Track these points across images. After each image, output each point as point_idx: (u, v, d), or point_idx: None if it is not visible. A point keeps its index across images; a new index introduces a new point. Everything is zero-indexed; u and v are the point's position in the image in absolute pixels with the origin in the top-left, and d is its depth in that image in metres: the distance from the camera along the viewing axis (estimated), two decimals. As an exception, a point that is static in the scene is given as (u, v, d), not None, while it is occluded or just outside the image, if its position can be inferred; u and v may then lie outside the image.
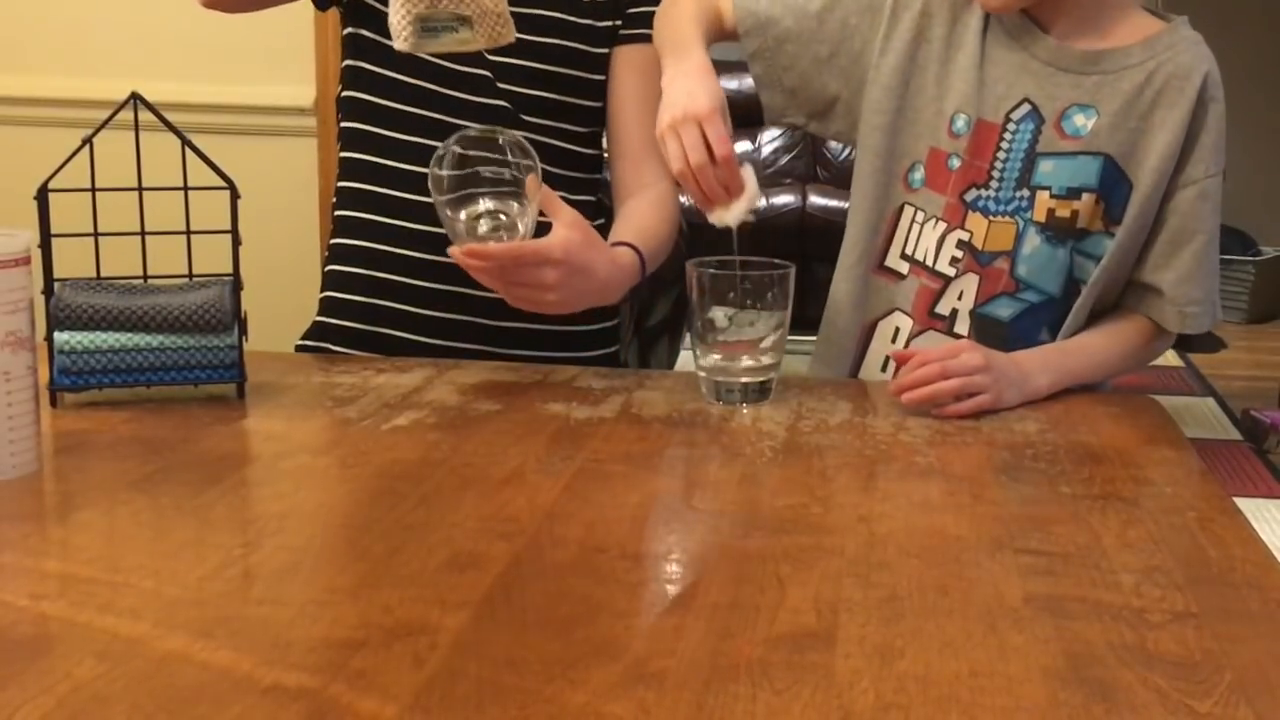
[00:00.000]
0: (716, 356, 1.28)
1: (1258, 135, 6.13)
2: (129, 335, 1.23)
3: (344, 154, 1.58)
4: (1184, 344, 5.28)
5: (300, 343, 1.57)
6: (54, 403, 1.22)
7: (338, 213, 1.58)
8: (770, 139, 5.18)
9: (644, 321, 4.58)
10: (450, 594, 0.82)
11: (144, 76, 2.23)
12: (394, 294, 1.52)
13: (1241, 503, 3.58)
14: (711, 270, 1.27)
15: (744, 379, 1.28)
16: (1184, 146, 1.33)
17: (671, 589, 0.86)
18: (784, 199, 4.80)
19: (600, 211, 1.62)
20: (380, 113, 1.53)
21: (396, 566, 0.86)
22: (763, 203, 4.84)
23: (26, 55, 2.31)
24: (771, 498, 1.03)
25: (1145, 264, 1.37)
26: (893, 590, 0.84)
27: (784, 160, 5.16)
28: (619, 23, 1.56)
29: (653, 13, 1.54)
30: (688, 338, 1.34)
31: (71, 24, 2.30)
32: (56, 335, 1.21)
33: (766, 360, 1.28)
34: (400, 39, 1.23)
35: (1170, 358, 5.13)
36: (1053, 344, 1.37)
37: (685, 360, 1.34)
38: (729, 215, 1.32)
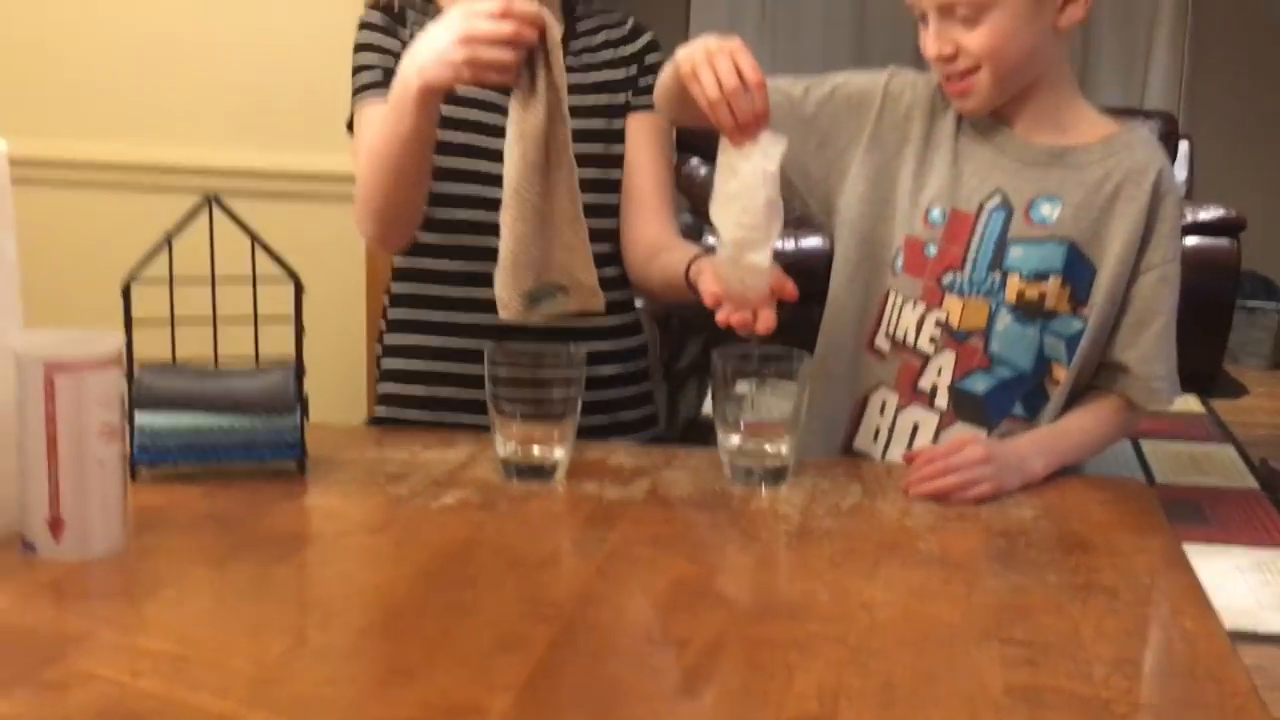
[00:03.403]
0: (737, 439, 1.40)
1: (1282, 184, 6.21)
2: (202, 416, 1.35)
3: (396, 261, 1.72)
4: (1207, 389, 5.37)
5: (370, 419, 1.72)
6: (133, 477, 1.34)
7: (391, 312, 1.73)
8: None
9: (674, 364, 4.69)
10: (497, 677, 0.93)
11: (192, 142, 2.37)
12: (450, 382, 1.65)
13: (1255, 553, 3.68)
14: (734, 359, 1.39)
15: (763, 463, 1.39)
16: (1143, 236, 1.47)
17: (691, 674, 0.97)
18: (812, 242, 4.92)
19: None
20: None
21: (449, 647, 0.98)
22: (790, 244, 4.96)
23: (78, 120, 2.44)
24: (784, 583, 1.14)
25: (1114, 344, 1.50)
26: (888, 678, 0.95)
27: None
28: (630, 94, 1.71)
29: None
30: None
31: (115, 90, 2.43)
32: (137, 416, 1.34)
33: (784, 444, 1.39)
34: (506, 310, 1.40)
35: (1192, 404, 5.21)
36: (1045, 428, 1.48)
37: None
38: (759, 256, 1.40)
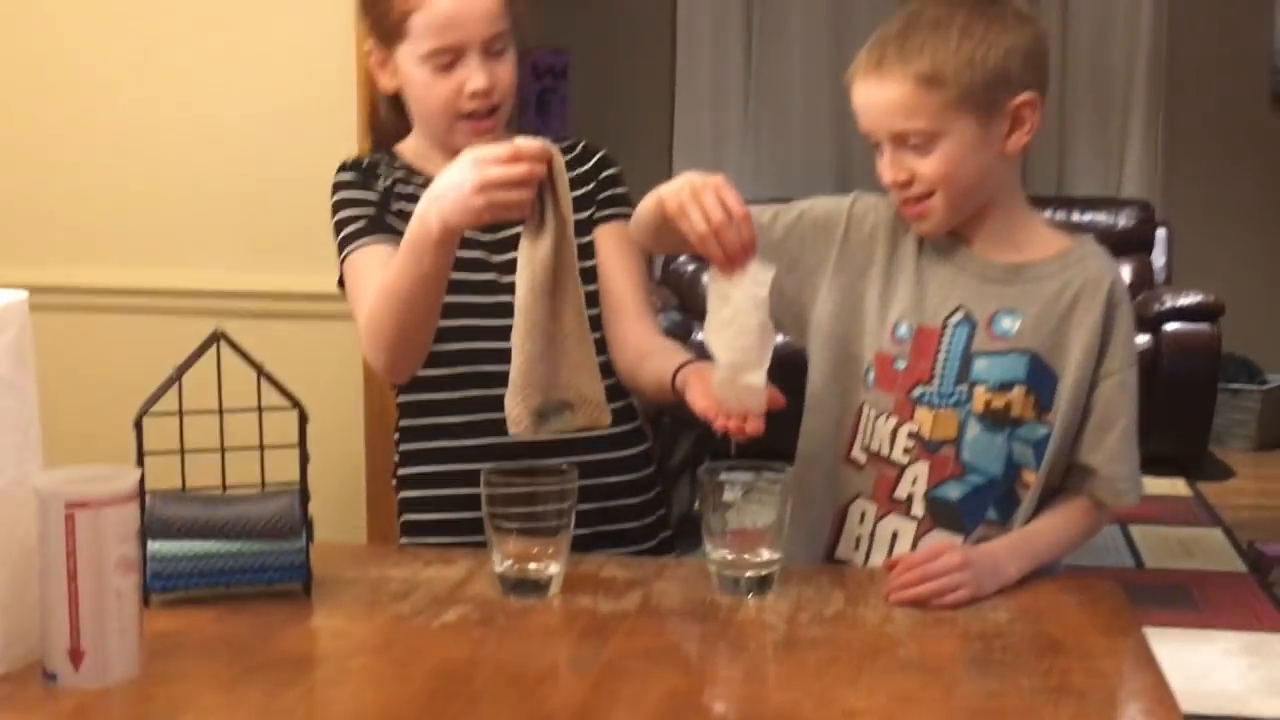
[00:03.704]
0: (724, 551, 1.46)
1: (1261, 268, 6.32)
2: (212, 543, 1.41)
3: (400, 398, 1.81)
4: (1193, 471, 5.44)
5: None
6: (146, 603, 1.39)
7: (402, 446, 1.81)
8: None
9: (666, 461, 4.75)
10: (499, 794, 0.99)
11: (202, 266, 2.46)
12: (465, 506, 1.71)
13: (1245, 637, 3.73)
14: (719, 473, 1.46)
15: (749, 573, 1.45)
16: (1100, 344, 1.55)
17: (683, 785, 1.03)
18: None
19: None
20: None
21: (452, 766, 1.03)
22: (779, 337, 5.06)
23: (92, 248, 2.53)
24: (772, 694, 1.20)
25: (1080, 448, 1.57)
26: (869, 785, 1.01)
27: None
28: (594, 210, 1.81)
29: (621, 194, 1.82)
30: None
31: (128, 218, 2.53)
32: (150, 544, 1.40)
33: (768, 555, 1.46)
34: (517, 426, 1.46)
35: (1179, 488, 5.27)
36: (1018, 531, 1.55)
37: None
38: (755, 377, 1.47)
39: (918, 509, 1.57)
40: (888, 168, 1.55)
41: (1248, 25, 6.29)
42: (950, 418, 1.55)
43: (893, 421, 1.57)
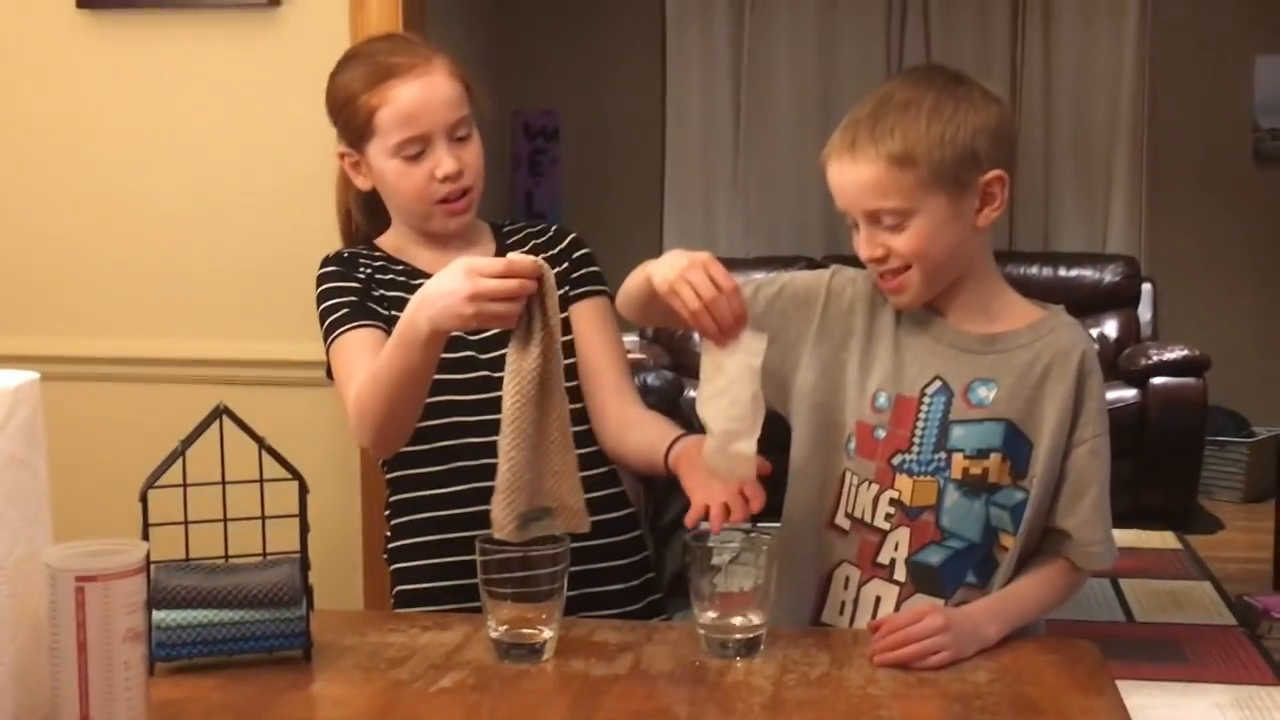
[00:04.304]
0: (712, 614, 1.51)
1: (1246, 321, 6.38)
2: (214, 612, 1.46)
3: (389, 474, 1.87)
4: (1183, 525, 5.48)
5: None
6: (151, 671, 1.43)
7: (392, 522, 1.87)
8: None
9: (659, 519, 4.78)
10: None
11: (193, 336, 2.53)
12: (455, 574, 1.77)
13: (1235, 690, 3.75)
14: (706, 540, 1.51)
15: (737, 636, 1.50)
16: (1073, 412, 1.60)
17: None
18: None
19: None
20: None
21: (450, 829, 1.07)
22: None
23: (85, 318, 2.60)
24: (757, 755, 1.24)
25: (1055, 513, 1.62)
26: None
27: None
28: (568, 289, 1.87)
29: (595, 272, 1.90)
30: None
31: (123, 289, 2.60)
32: (154, 614, 1.44)
33: (754, 618, 1.50)
34: (501, 531, 1.51)
35: (1169, 540, 5.31)
36: (997, 594, 1.59)
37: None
38: (746, 446, 1.52)
39: (900, 574, 1.61)
40: (864, 244, 1.61)
41: (1229, 82, 6.39)
42: (929, 484, 1.60)
43: (875, 489, 1.62)
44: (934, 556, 1.60)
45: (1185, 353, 5.57)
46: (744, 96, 6.58)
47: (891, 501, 1.61)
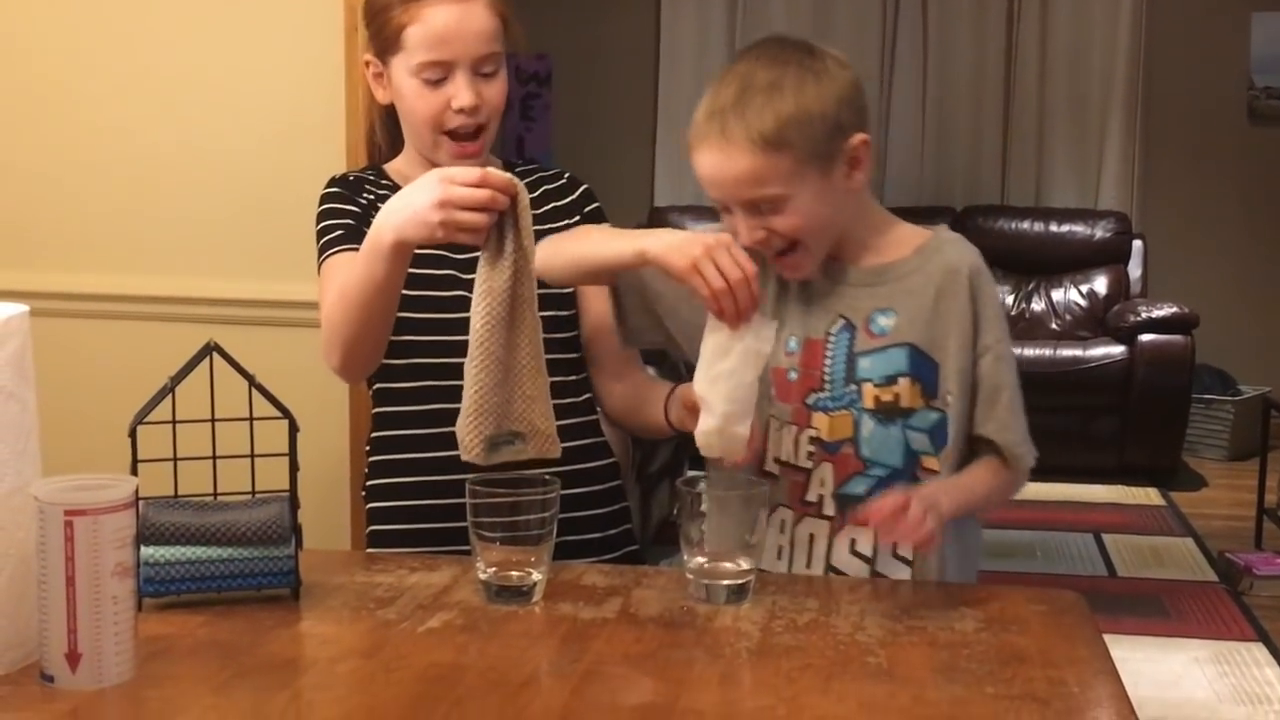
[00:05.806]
0: (701, 560, 1.51)
1: (1235, 280, 6.39)
2: (203, 549, 1.45)
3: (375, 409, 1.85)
4: (1167, 482, 5.50)
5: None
6: (139, 607, 1.43)
7: (371, 458, 1.85)
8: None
9: (646, 468, 4.79)
10: (483, 794, 1.03)
11: (184, 273, 2.51)
12: (430, 517, 1.76)
13: (1215, 645, 3.78)
14: (696, 485, 1.51)
15: (725, 581, 1.50)
16: (973, 325, 1.62)
17: (660, 787, 1.07)
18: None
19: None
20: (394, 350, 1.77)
21: (438, 767, 1.08)
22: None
23: (75, 254, 2.57)
24: (746, 699, 1.25)
25: (975, 423, 1.64)
26: (837, 788, 1.05)
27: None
28: None
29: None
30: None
31: (123, 226, 2.57)
32: (143, 549, 1.44)
33: (744, 564, 1.50)
34: (468, 452, 1.51)
35: (1153, 497, 5.34)
36: (941, 480, 1.61)
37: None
38: (742, 429, 1.54)
39: (829, 508, 1.64)
40: (743, 230, 1.60)
41: (1225, 40, 6.37)
42: (845, 418, 1.62)
43: (794, 430, 1.65)
44: (859, 487, 1.62)
45: (1174, 310, 5.59)
46: (738, 43, 6.54)
47: (811, 440, 1.64)
